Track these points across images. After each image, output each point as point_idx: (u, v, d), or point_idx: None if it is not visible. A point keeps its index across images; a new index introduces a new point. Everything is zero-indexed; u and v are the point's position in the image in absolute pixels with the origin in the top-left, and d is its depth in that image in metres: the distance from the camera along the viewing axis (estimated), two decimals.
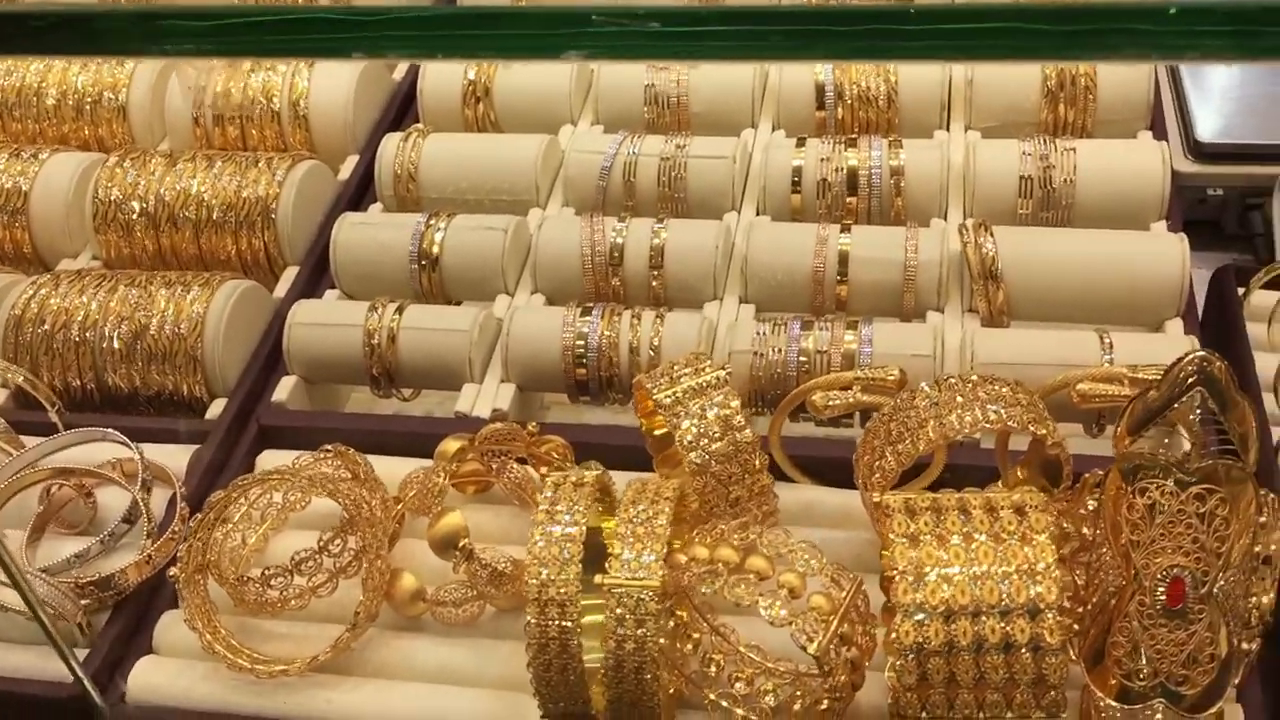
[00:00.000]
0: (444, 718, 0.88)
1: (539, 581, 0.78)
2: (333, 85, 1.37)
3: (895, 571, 0.77)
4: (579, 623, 0.78)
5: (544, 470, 1.03)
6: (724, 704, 0.86)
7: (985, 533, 0.78)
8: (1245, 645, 0.82)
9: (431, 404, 1.22)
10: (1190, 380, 0.80)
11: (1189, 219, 1.34)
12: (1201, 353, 0.79)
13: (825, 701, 0.81)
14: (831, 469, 1.02)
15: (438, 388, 1.17)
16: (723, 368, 0.94)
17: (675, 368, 0.95)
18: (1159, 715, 0.80)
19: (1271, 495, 0.81)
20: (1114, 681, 0.80)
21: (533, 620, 0.78)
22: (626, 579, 0.77)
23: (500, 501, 1.05)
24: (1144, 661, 0.79)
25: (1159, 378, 0.82)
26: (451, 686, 0.91)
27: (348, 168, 1.36)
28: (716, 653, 0.89)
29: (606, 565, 0.79)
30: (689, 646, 0.89)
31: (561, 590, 0.78)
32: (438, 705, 0.89)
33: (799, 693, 0.85)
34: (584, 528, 0.80)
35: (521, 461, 1.04)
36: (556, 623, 0.78)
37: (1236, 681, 0.81)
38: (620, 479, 1.02)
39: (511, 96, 1.38)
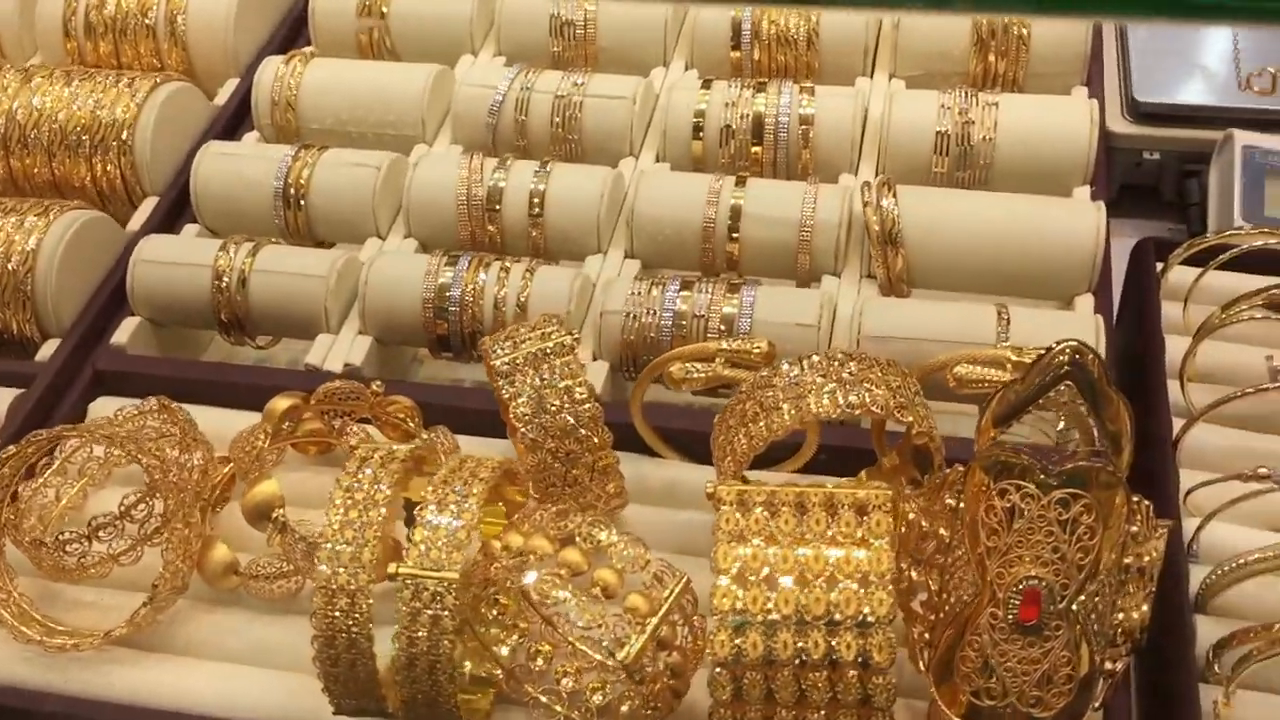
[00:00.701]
0: (238, 702, 0.81)
1: (328, 568, 0.71)
2: (213, 1, 1.27)
3: (717, 572, 0.69)
4: (368, 614, 0.70)
5: (390, 434, 0.96)
6: (545, 700, 0.79)
7: (820, 534, 0.70)
8: (1110, 665, 0.74)
9: (297, 352, 1.13)
10: (1060, 372, 0.71)
11: (1125, 183, 1.26)
12: (1073, 343, 0.71)
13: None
14: (703, 443, 0.94)
15: (292, 336, 1.09)
16: (570, 332, 0.85)
17: (521, 330, 0.86)
18: None
19: (1145, 502, 0.73)
20: (962, 698, 0.73)
21: (319, 610, 0.71)
22: (421, 568, 0.70)
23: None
24: (995, 679, 0.72)
25: None
26: (259, 669, 0.84)
27: (226, 92, 1.27)
28: (544, 643, 0.81)
29: (404, 551, 0.71)
30: (514, 636, 0.82)
31: (351, 579, 0.70)
32: (237, 688, 0.82)
33: (628, 692, 0.78)
34: (383, 510, 0.72)
35: (367, 421, 0.96)
36: (345, 614, 0.70)
37: (1098, 704, 0.74)
38: (478, 446, 0.95)
39: (410, 21, 1.28)
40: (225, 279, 1.05)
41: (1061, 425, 0.84)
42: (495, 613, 0.81)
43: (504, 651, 0.80)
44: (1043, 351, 0.73)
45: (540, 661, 0.81)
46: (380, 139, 1.20)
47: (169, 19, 1.26)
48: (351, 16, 1.28)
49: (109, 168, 1.15)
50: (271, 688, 0.82)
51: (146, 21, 1.26)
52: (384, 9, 1.28)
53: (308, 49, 1.29)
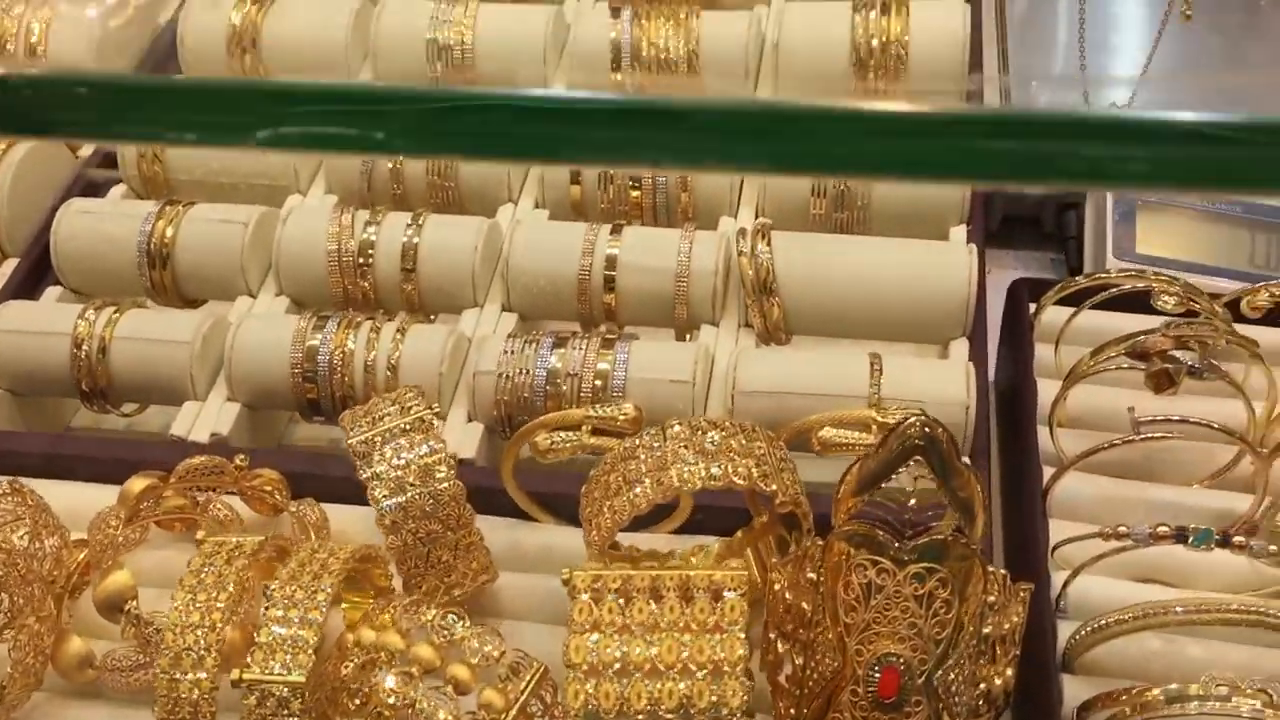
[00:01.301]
0: None
1: (168, 677, 0.68)
2: (74, 34, 1.23)
3: (569, 666, 0.68)
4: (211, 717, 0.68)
5: (256, 508, 0.93)
6: None
7: (673, 623, 0.69)
8: None
9: (171, 415, 1.10)
10: (911, 445, 0.71)
11: (1008, 214, 1.26)
12: (921, 418, 0.71)
13: None
14: (577, 506, 0.92)
15: (159, 403, 1.06)
16: (430, 406, 0.83)
17: (381, 404, 0.84)
18: None
19: (1002, 572, 0.73)
20: None
21: (161, 716, 0.68)
22: (266, 673, 0.68)
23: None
24: None
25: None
26: None
27: (90, 145, 1.22)
28: None
29: (249, 656, 0.69)
30: None
31: (194, 689, 0.68)
32: None
33: None
34: (227, 612, 0.70)
35: (233, 493, 0.93)
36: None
37: None
38: (350, 514, 0.93)
39: (284, 52, 1.24)
40: (85, 347, 1.02)
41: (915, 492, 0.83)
42: (357, 703, 0.79)
43: None
44: (899, 420, 0.73)
45: None
46: (253, 190, 1.17)
47: (28, 51, 1.22)
48: (221, 52, 1.24)
49: None
50: None
51: (5, 52, 1.22)
52: (255, 36, 1.23)
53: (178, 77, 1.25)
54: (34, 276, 1.12)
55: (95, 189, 1.19)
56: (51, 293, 1.11)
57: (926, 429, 0.71)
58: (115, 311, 1.04)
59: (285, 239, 1.09)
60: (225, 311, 1.08)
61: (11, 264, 1.13)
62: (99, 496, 0.92)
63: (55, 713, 0.84)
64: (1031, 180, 0.43)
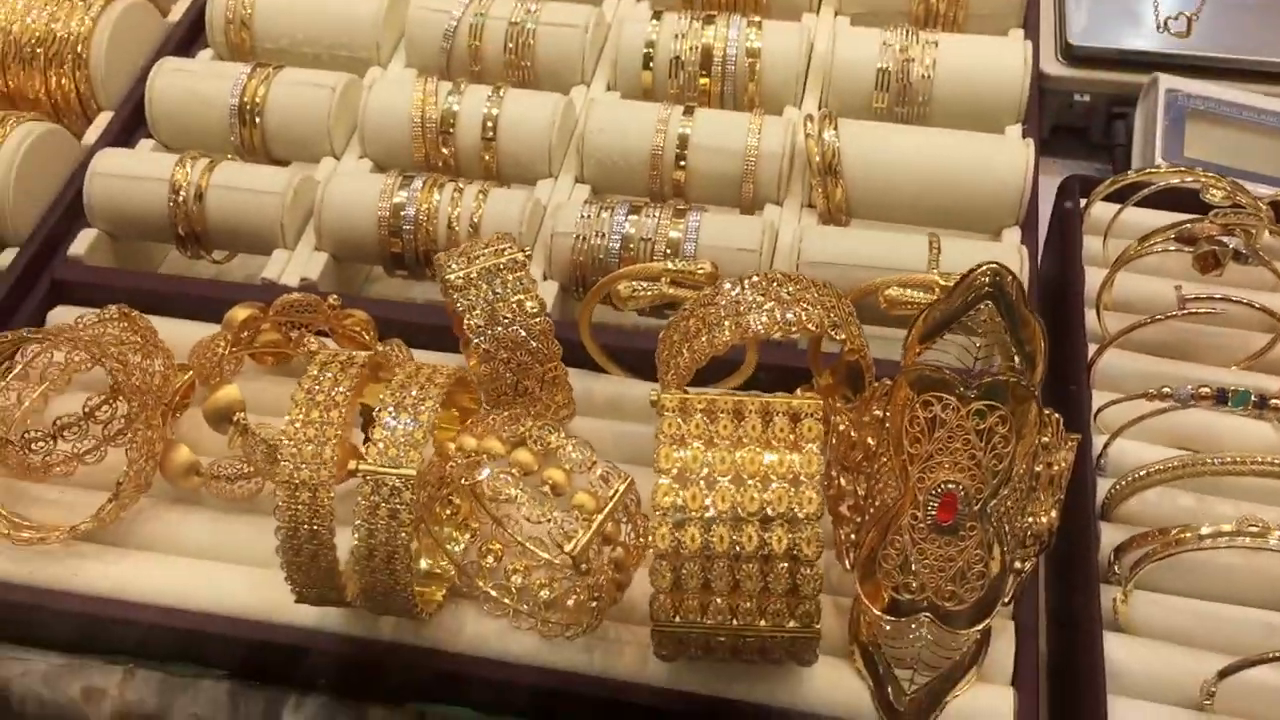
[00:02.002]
0: (201, 594, 0.85)
1: (291, 463, 0.75)
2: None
3: (659, 472, 0.74)
4: (330, 508, 0.74)
5: (345, 346, 0.99)
6: (495, 594, 0.84)
7: (756, 438, 0.75)
8: (1019, 564, 0.80)
9: (254, 268, 1.15)
10: (981, 292, 0.77)
11: (1058, 124, 1.31)
12: (994, 265, 0.76)
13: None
14: (647, 361, 0.98)
15: (249, 251, 1.11)
16: (522, 249, 0.89)
17: (475, 247, 0.90)
18: (924, 629, 0.80)
19: (1056, 415, 0.79)
20: (884, 594, 0.78)
21: (282, 503, 0.74)
22: (380, 465, 0.74)
23: (301, 375, 1.00)
24: (913, 576, 0.77)
25: None
26: (218, 563, 0.87)
27: (180, 8, 1.27)
28: (495, 542, 0.86)
29: (364, 449, 0.75)
30: (466, 535, 0.86)
31: (314, 473, 0.74)
32: (200, 581, 0.86)
33: (575, 587, 0.83)
34: (344, 410, 0.76)
35: (323, 334, 0.99)
36: (307, 507, 0.74)
37: (1007, 600, 0.80)
38: (428, 359, 0.99)
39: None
40: (182, 193, 1.07)
41: (980, 348, 0.89)
42: (449, 512, 0.86)
43: (457, 549, 0.85)
44: (969, 270, 0.78)
45: (491, 559, 0.86)
46: (335, 60, 1.22)
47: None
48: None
49: (64, 81, 1.16)
50: (233, 580, 0.86)
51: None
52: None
53: None
54: (127, 130, 1.17)
55: (183, 52, 1.23)
56: (145, 145, 1.16)
57: (998, 275, 0.76)
58: (210, 162, 1.09)
59: (371, 105, 1.13)
60: (312, 171, 1.13)
61: (106, 117, 1.17)
62: (194, 332, 0.98)
63: (161, 515, 0.90)
64: None
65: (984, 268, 0.77)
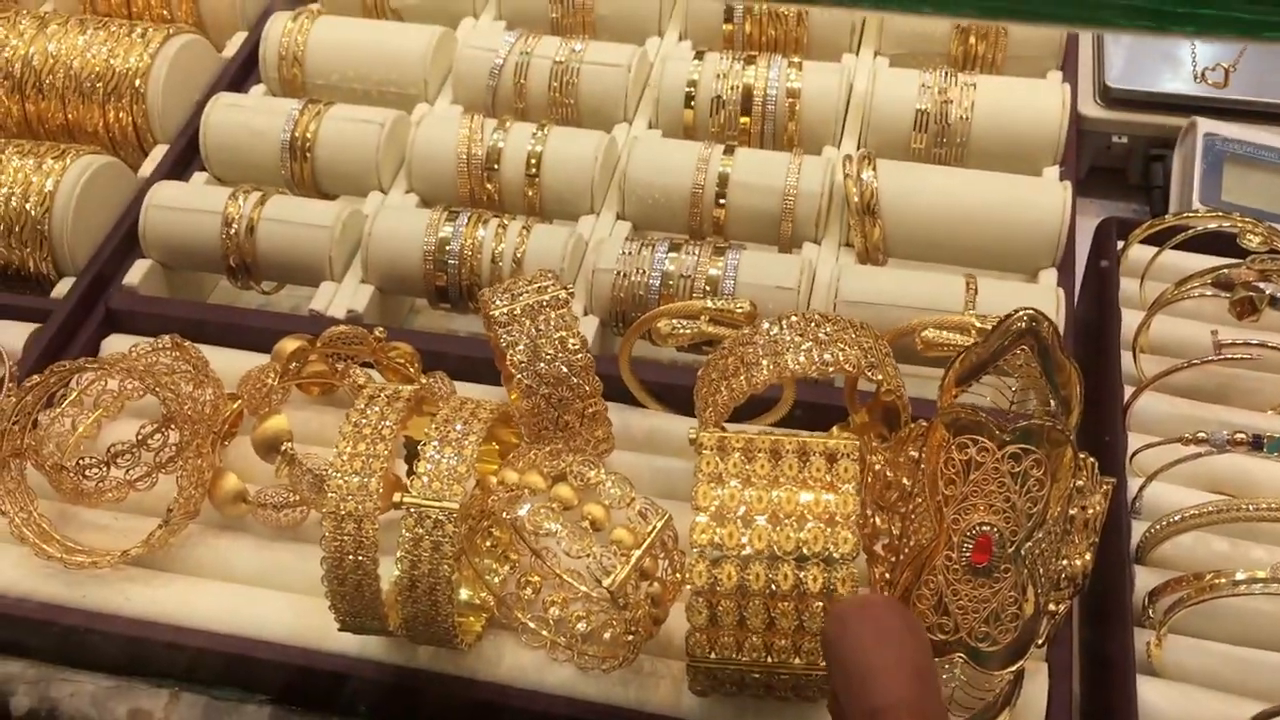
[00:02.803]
0: (247, 620, 0.87)
1: (338, 495, 0.77)
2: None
3: (697, 510, 0.75)
4: (375, 539, 0.76)
5: (390, 378, 1.01)
6: (533, 625, 0.86)
7: (792, 478, 0.76)
8: (1053, 607, 0.81)
9: (300, 298, 1.18)
10: (1016, 337, 0.78)
11: (1095, 165, 1.32)
12: (1031, 311, 0.77)
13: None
14: (685, 396, 1.00)
15: (297, 283, 1.14)
16: (565, 287, 0.91)
17: (518, 283, 0.92)
18: (958, 670, 0.80)
19: (1090, 459, 0.80)
20: None
21: (328, 534, 0.76)
22: (424, 498, 0.76)
23: (346, 405, 1.02)
24: (948, 616, 0.78)
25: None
26: (263, 590, 0.90)
27: (234, 45, 1.31)
28: (534, 575, 0.88)
29: (409, 483, 0.77)
30: (506, 567, 0.88)
31: (359, 505, 0.76)
32: (246, 607, 0.88)
33: (611, 620, 0.84)
34: (390, 443, 0.78)
35: (368, 366, 1.02)
36: (353, 538, 0.76)
37: (1041, 642, 0.81)
38: (471, 391, 1.01)
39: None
40: (235, 225, 1.10)
41: (1016, 390, 0.89)
42: (489, 544, 0.88)
43: (496, 580, 0.87)
44: (1006, 315, 0.79)
45: (530, 591, 0.87)
46: (383, 96, 1.25)
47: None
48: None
49: (121, 115, 1.20)
50: (279, 607, 0.88)
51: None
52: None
53: (314, 5, 1.33)
54: (182, 163, 1.20)
55: (237, 87, 1.27)
56: (198, 178, 1.19)
57: (1034, 321, 0.77)
58: (262, 195, 1.12)
59: (418, 140, 1.16)
60: (359, 206, 1.16)
61: (161, 150, 1.21)
62: (242, 361, 1.01)
63: (208, 541, 0.93)
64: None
65: (1020, 313, 0.78)
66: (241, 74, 1.28)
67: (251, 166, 1.18)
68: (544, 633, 0.85)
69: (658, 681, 0.84)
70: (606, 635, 0.85)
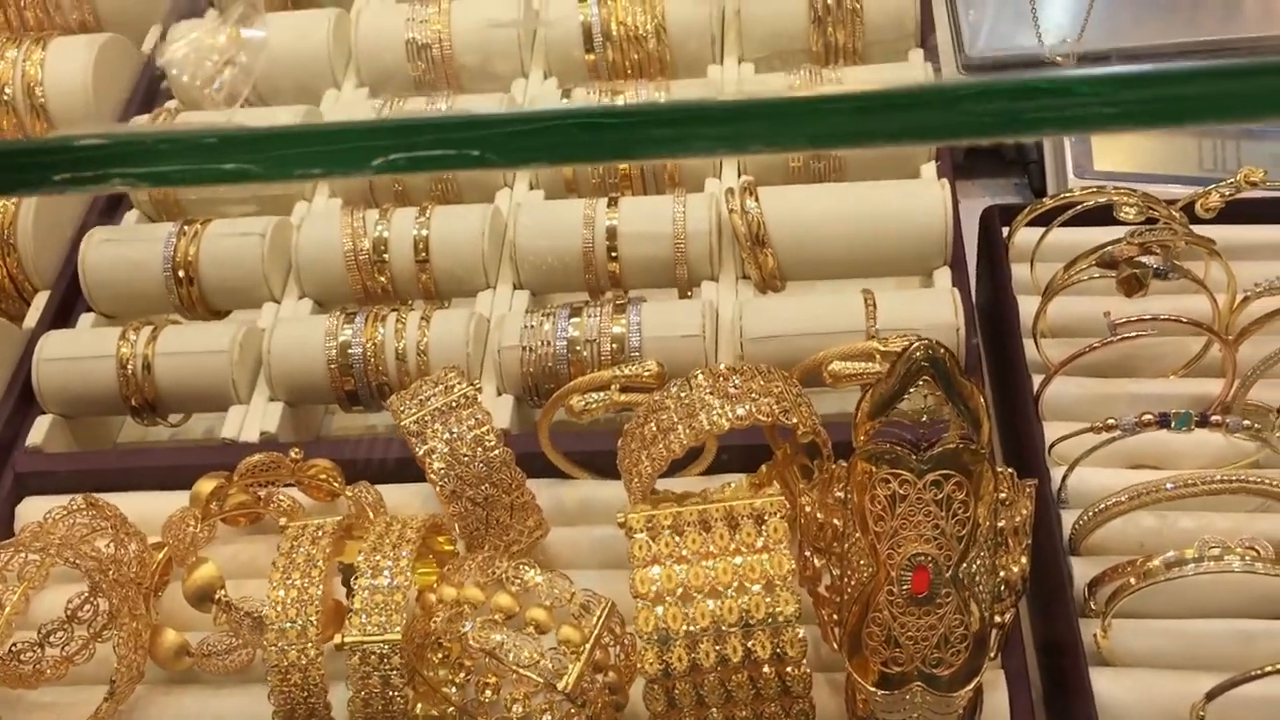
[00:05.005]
0: None
1: (277, 647, 0.76)
2: (69, 68, 1.28)
3: (637, 598, 0.76)
4: (322, 685, 0.75)
5: (314, 495, 1.00)
6: None
7: (724, 548, 0.77)
8: (999, 618, 0.83)
9: (214, 420, 1.16)
10: (917, 370, 0.79)
11: (971, 146, 1.34)
12: (926, 342, 0.78)
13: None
14: (612, 460, 1.00)
15: (203, 411, 1.12)
16: (472, 383, 0.91)
17: (423, 388, 0.91)
18: (917, 698, 0.82)
19: (1010, 470, 0.81)
20: (874, 668, 0.80)
21: (275, 686, 0.76)
22: (365, 634, 0.75)
23: (275, 530, 1.01)
24: (899, 648, 0.79)
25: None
26: None
27: None
28: (490, 676, 0.87)
29: (346, 621, 0.76)
30: (461, 674, 0.88)
31: (301, 654, 0.75)
32: None
33: (573, 713, 0.84)
34: (320, 586, 0.77)
35: (291, 485, 1.00)
36: (299, 687, 0.76)
37: (993, 655, 0.82)
38: (400, 493, 1.00)
39: (268, 62, 1.30)
40: (130, 366, 1.08)
41: (927, 409, 0.90)
42: (440, 656, 0.87)
43: (453, 691, 0.86)
44: (904, 347, 0.80)
45: (489, 694, 0.87)
46: (260, 201, 1.23)
47: (27, 91, 1.27)
48: (208, 72, 1.30)
49: None
50: None
51: (4, 97, 1.27)
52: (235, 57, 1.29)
53: (171, 104, 1.31)
54: (66, 306, 1.18)
55: (109, 214, 1.24)
56: (85, 319, 1.17)
57: (930, 351, 0.78)
58: (153, 330, 1.10)
59: (302, 244, 1.15)
60: (253, 318, 1.14)
61: (43, 297, 1.18)
62: (162, 504, 0.99)
63: (159, 700, 0.91)
64: (992, 136, 0.50)
65: (916, 346, 0.79)
66: (113, 201, 1.26)
67: (138, 298, 1.16)
68: None
69: None
70: None
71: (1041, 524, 0.90)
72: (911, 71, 1.20)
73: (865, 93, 0.46)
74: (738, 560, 0.76)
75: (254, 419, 1.08)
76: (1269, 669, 0.76)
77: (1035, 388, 0.99)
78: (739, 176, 1.19)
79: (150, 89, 1.35)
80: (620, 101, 1.20)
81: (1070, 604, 0.86)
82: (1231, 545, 0.79)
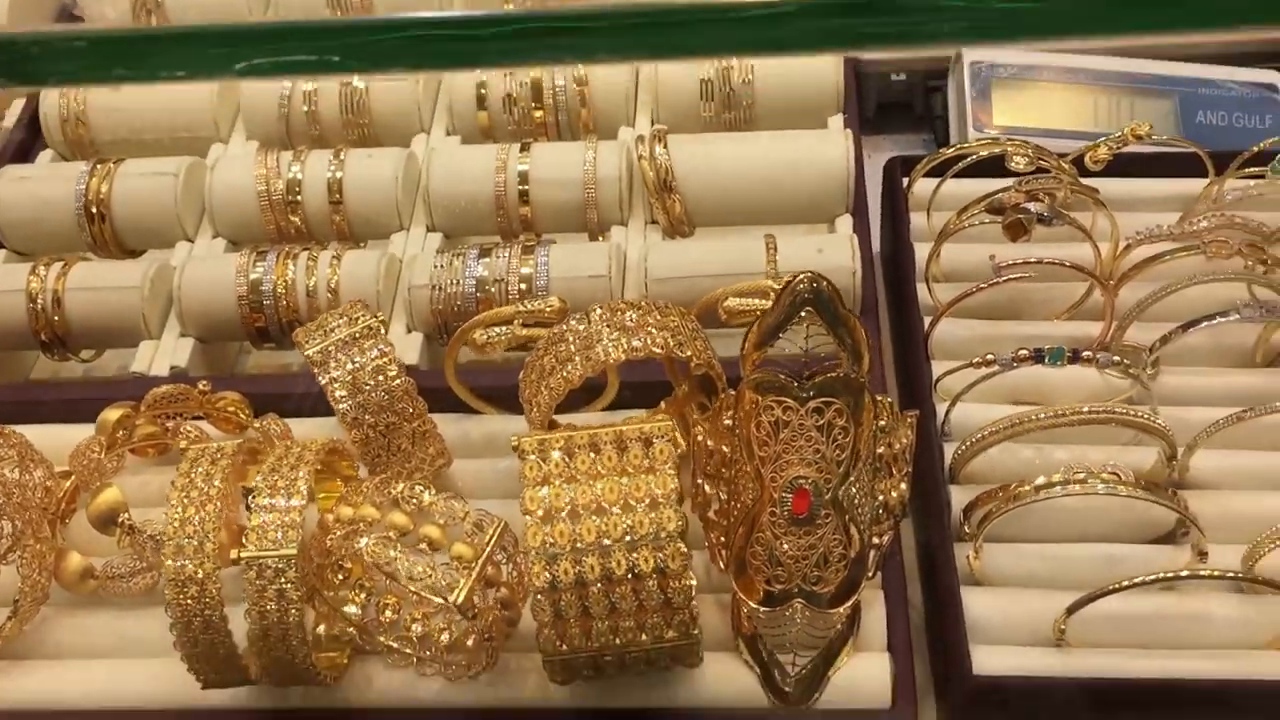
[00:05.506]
0: (112, 693, 0.88)
1: (174, 561, 0.78)
2: None
3: (526, 514, 0.78)
4: (219, 598, 0.78)
5: (223, 427, 1.02)
6: (397, 646, 0.88)
7: (613, 468, 0.80)
8: (877, 540, 0.86)
9: (127, 357, 1.17)
10: (801, 301, 0.82)
11: (882, 102, 1.37)
12: (808, 274, 0.82)
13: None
14: (516, 396, 1.02)
15: (115, 347, 1.13)
16: (376, 315, 0.93)
17: (329, 320, 0.93)
18: (798, 614, 0.85)
19: (890, 399, 0.85)
20: (758, 587, 0.84)
21: (172, 599, 0.78)
22: (261, 550, 0.77)
23: None
24: (780, 567, 0.83)
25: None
26: (129, 660, 0.90)
27: (13, 114, 1.28)
28: (390, 596, 0.90)
29: (243, 537, 0.78)
30: (362, 595, 0.90)
31: (198, 568, 0.77)
32: (110, 681, 0.88)
33: (470, 628, 0.87)
34: (218, 503, 0.79)
35: (200, 419, 1.02)
36: (196, 600, 0.77)
37: (871, 575, 0.86)
38: (311, 425, 1.02)
39: (189, 13, 1.30)
40: (40, 301, 1.09)
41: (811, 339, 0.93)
42: (341, 577, 0.89)
43: (353, 610, 0.89)
44: (788, 280, 0.84)
45: (389, 613, 0.90)
46: (176, 144, 1.24)
47: None
48: (127, 19, 1.30)
49: None
50: (143, 675, 0.88)
51: None
52: (158, 1, 1.30)
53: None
54: None
55: (23, 157, 1.24)
56: None
57: (814, 284, 0.82)
58: (64, 266, 1.10)
59: (215, 184, 1.16)
60: (166, 257, 1.15)
61: None
62: (72, 435, 1.00)
63: (65, 622, 0.93)
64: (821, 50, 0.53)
65: (800, 277, 0.82)
66: (27, 142, 1.26)
67: (50, 236, 1.17)
68: (408, 650, 0.87)
69: (525, 677, 0.87)
70: (470, 642, 0.87)
71: (925, 455, 0.94)
72: None
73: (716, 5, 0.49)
74: (624, 480, 0.79)
75: (164, 354, 1.09)
76: (1124, 583, 0.80)
77: (926, 327, 1.03)
78: (652, 125, 1.22)
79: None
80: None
81: (947, 528, 0.90)
82: (1096, 471, 0.83)
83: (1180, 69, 1.22)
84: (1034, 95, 1.23)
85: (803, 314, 0.83)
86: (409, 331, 1.09)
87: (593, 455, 0.81)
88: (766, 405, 0.83)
